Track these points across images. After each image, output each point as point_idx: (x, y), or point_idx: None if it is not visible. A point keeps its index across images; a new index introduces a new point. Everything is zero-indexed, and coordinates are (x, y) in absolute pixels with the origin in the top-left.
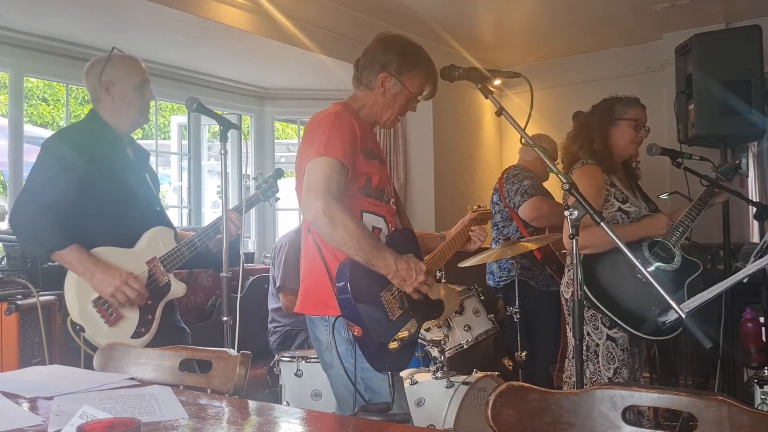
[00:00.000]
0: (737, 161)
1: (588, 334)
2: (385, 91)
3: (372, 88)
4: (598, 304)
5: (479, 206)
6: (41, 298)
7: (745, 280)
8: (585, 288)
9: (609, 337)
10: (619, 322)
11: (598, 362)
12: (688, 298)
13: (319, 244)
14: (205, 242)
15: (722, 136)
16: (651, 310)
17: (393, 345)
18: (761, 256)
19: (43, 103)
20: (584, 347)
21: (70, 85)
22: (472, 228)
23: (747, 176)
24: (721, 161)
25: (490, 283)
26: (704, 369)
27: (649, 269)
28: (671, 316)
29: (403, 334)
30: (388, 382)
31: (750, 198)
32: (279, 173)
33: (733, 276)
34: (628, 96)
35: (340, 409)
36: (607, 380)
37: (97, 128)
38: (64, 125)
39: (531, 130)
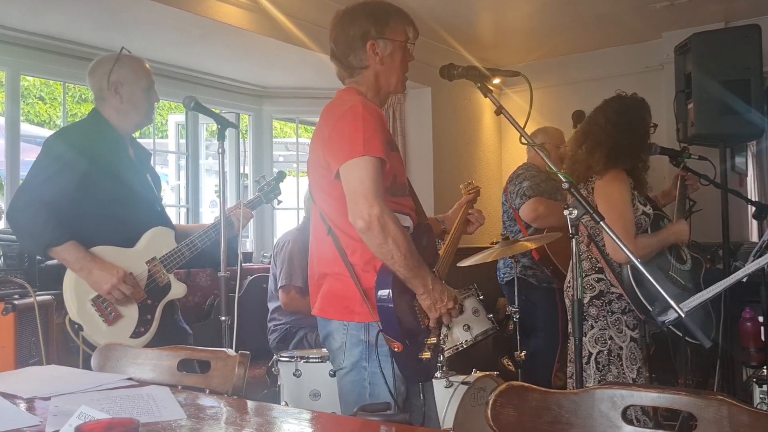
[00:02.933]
0: (685, 149)
1: (611, 338)
2: (381, 57)
3: (366, 64)
4: (652, 312)
5: (470, 182)
6: (38, 298)
7: (744, 280)
8: (641, 297)
9: (632, 339)
10: (673, 328)
11: (621, 365)
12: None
13: (344, 247)
14: (206, 243)
15: (721, 135)
16: (653, 311)
17: (426, 355)
18: (760, 256)
19: (40, 102)
20: (606, 352)
21: (67, 84)
22: (470, 211)
23: (746, 175)
24: (677, 151)
25: (498, 279)
26: (703, 368)
27: (683, 270)
28: (670, 316)
29: (432, 340)
30: (418, 393)
31: (749, 197)
32: (281, 176)
33: (732, 275)
34: (641, 98)
35: (344, 410)
36: (631, 381)
37: (98, 128)
38: (62, 124)
39: (530, 129)
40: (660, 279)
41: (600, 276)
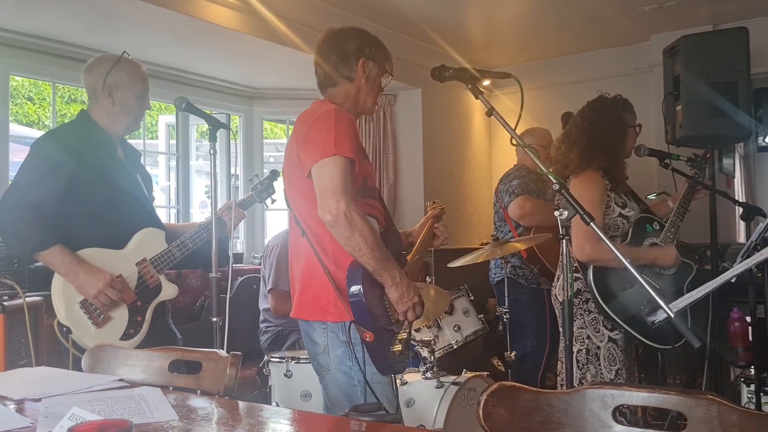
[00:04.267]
0: (707, 154)
1: (588, 337)
2: (367, 75)
3: (353, 77)
4: (612, 314)
5: (435, 201)
6: (28, 299)
7: (732, 280)
8: (599, 299)
9: (610, 339)
10: (634, 333)
11: (599, 365)
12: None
13: (317, 249)
14: (197, 243)
15: (709, 137)
16: (642, 311)
17: (397, 347)
18: (748, 256)
19: (29, 102)
20: (584, 351)
21: (56, 84)
22: (436, 225)
23: (733, 177)
24: (693, 156)
25: (489, 279)
26: (692, 368)
27: (664, 274)
28: (660, 316)
29: (402, 335)
30: (390, 384)
31: (736, 199)
32: (275, 175)
33: (721, 276)
34: (623, 98)
35: (333, 413)
36: (609, 382)
37: (87, 129)
38: (50, 124)
39: (519, 131)
40: (629, 281)
41: (577, 275)
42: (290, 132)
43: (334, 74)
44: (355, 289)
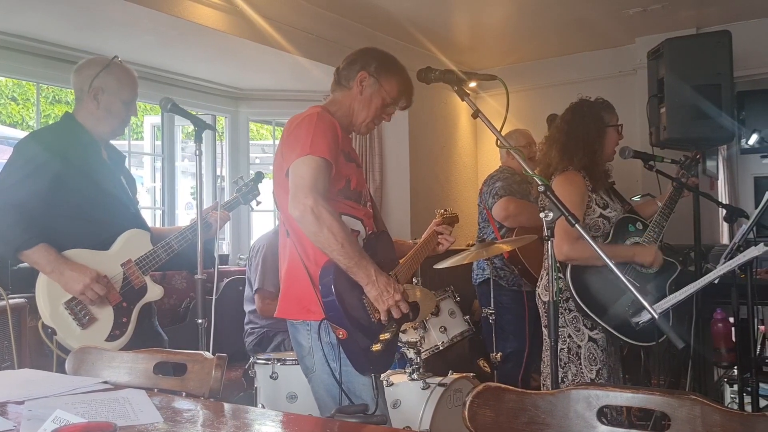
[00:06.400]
0: (697, 155)
1: (569, 336)
2: (363, 89)
3: (350, 87)
4: (589, 311)
5: (446, 209)
6: (11, 301)
7: (715, 281)
8: (576, 296)
9: (590, 339)
10: (611, 330)
11: (580, 364)
12: None
13: (299, 249)
14: (182, 244)
15: (693, 139)
16: (627, 312)
17: (376, 347)
18: (731, 258)
19: (12, 103)
20: (566, 350)
21: (40, 85)
22: (440, 231)
23: (716, 178)
24: (683, 158)
25: (472, 280)
26: (675, 369)
27: (646, 273)
28: (644, 317)
29: (385, 336)
30: (371, 385)
31: (720, 200)
32: (259, 177)
33: (704, 277)
34: (603, 99)
35: (321, 414)
36: (589, 382)
37: (71, 131)
38: (34, 125)
39: (504, 133)
40: (610, 280)
41: (558, 274)
42: (277, 133)
43: (336, 79)
44: (324, 284)
